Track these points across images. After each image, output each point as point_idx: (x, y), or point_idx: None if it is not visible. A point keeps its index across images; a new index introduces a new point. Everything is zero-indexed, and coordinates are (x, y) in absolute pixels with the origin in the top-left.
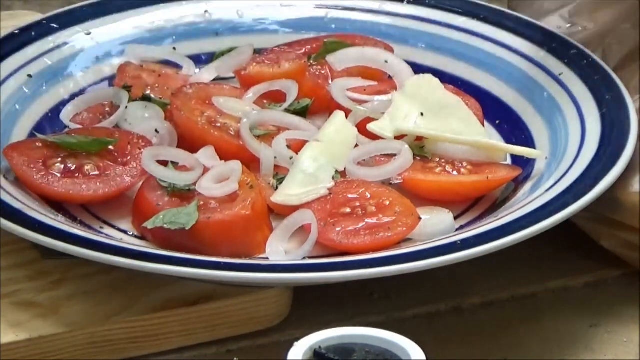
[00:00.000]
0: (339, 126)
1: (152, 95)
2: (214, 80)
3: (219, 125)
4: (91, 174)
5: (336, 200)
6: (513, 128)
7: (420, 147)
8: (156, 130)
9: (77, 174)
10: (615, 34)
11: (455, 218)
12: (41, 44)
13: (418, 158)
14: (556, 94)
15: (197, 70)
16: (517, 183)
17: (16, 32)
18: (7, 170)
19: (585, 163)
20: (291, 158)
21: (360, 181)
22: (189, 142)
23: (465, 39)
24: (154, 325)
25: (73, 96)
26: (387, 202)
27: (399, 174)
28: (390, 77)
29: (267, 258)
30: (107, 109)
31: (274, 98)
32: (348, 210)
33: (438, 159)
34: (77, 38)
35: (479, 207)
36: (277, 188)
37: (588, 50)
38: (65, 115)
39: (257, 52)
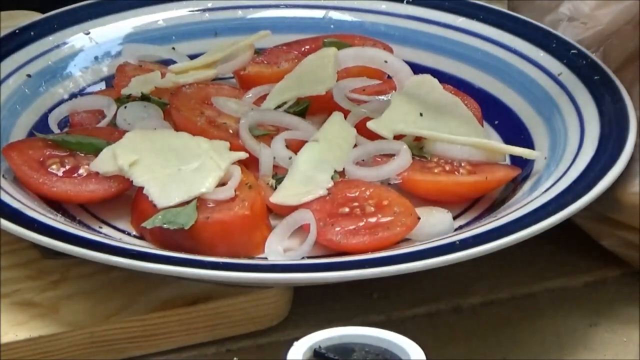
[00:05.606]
0: (337, 126)
1: (151, 95)
2: (214, 80)
3: (217, 125)
4: (90, 173)
5: (335, 200)
6: (512, 128)
7: (419, 147)
8: None
9: (76, 174)
10: (616, 34)
11: (454, 218)
12: (41, 43)
13: (417, 158)
14: (555, 95)
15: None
16: (516, 183)
17: (16, 31)
18: (7, 170)
19: (584, 163)
20: (290, 158)
21: (359, 181)
22: None
23: (465, 39)
24: (154, 325)
25: (72, 96)
26: (386, 202)
27: (398, 174)
28: (389, 77)
29: (266, 258)
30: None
31: None
32: (347, 210)
33: (437, 159)
34: (77, 38)
35: (478, 207)
36: (276, 188)
37: (588, 50)
38: (52, 119)
39: (257, 52)
